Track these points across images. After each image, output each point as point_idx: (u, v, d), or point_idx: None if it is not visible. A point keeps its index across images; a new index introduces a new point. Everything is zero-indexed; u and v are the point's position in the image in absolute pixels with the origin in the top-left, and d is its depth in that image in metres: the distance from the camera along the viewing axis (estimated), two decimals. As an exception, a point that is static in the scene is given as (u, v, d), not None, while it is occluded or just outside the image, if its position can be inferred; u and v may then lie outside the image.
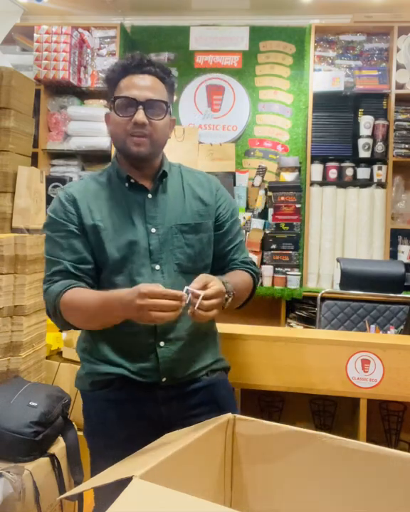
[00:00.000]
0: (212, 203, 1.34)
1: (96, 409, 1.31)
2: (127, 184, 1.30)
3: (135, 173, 1.30)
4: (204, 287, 1.08)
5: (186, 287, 1.07)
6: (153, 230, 1.26)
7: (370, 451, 0.80)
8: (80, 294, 1.19)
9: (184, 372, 1.27)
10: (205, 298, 1.06)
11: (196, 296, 1.05)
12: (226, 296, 1.14)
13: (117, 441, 1.22)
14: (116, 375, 1.26)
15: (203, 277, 1.10)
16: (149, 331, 1.23)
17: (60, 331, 1.32)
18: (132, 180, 1.29)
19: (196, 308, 1.05)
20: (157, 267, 1.25)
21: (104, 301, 1.14)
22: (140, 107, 1.21)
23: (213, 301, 1.08)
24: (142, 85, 1.23)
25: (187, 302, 1.05)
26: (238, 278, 1.30)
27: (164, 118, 1.25)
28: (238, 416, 0.92)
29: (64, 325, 1.24)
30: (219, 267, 1.35)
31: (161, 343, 1.24)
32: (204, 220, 1.32)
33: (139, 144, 1.23)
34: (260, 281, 1.42)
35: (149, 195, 1.29)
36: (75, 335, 2.64)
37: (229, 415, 0.92)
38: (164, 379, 1.25)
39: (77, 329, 1.29)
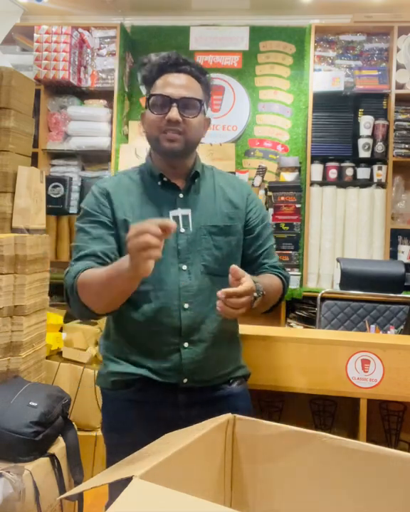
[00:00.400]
0: (243, 206, 1.35)
1: (116, 408, 1.31)
2: (159, 182, 1.30)
3: (168, 171, 1.30)
4: (238, 279, 1.08)
5: (171, 212, 1.09)
6: (182, 230, 1.26)
7: (370, 451, 0.80)
8: (96, 269, 1.16)
9: (206, 376, 1.27)
10: (237, 295, 1.06)
11: (229, 295, 1.06)
12: (255, 294, 1.13)
13: (133, 441, 1.22)
14: (138, 376, 1.26)
15: (238, 269, 1.10)
16: (174, 331, 1.24)
17: (78, 317, 1.28)
18: (164, 179, 1.30)
19: (224, 305, 1.06)
20: (184, 267, 1.25)
21: (111, 266, 1.11)
22: (174, 104, 1.22)
23: (243, 299, 1.08)
24: (177, 84, 1.24)
25: (180, 224, 1.04)
26: (268, 280, 1.30)
27: (197, 116, 1.25)
28: (238, 416, 0.92)
29: (81, 308, 1.18)
30: (248, 271, 1.33)
31: (185, 344, 1.25)
32: (234, 223, 1.32)
33: (173, 140, 1.23)
34: (289, 285, 1.42)
35: (181, 195, 1.29)
36: (75, 335, 2.64)
37: (229, 415, 0.92)
38: (185, 380, 1.25)
39: (95, 315, 1.21)
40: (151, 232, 0.94)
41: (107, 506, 1.23)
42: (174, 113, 1.21)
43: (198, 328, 1.26)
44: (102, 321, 2.81)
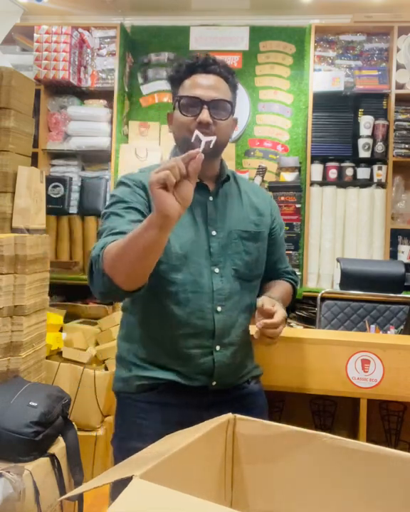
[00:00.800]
0: (267, 214, 1.38)
1: (135, 411, 1.27)
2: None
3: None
4: (271, 310, 1.15)
5: (196, 131, 1.07)
6: (213, 233, 1.26)
7: (370, 451, 0.80)
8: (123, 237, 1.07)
9: (233, 378, 1.29)
10: (273, 326, 1.13)
11: (267, 326, 1.14)
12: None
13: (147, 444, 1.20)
14: (165, 380, 1.24)
15: (270, 300, 1.18)
16: (207, 334, 1.24)
17: (99, 296, 1.14)
18: (198, 180, 1.27)
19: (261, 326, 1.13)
20: (217, 269, 1.25)
21: (139, 225, 1.03)
22: (205, 106, 1.21)
23: (279, 329, 1.15)
24: (207, 85, 1.23)
25: (201, 148, 0.99)
26: (284, 290, 1.37)
27: (228, 118, 1.25)
28: (238, 416, 0.92)
29: (104, 282, 1.07)
30: (266, 275, 1.37)
31: (218, 347, 1.25)
32: (261, 230, 1.34)
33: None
34: (298, 287, 1.51)
35: (211, 198, 1.29)
36: (75, 335, 2.65)
37: (229, 415, 0.93)
38: (214, 383, 1.25)
39: (117, 290, 1.08)
40: (174, 163, 0.93)
41: None
42: (205, 115, 1.20)
43: (229, 331, 1.26)
44: (103, 321, 2.82)
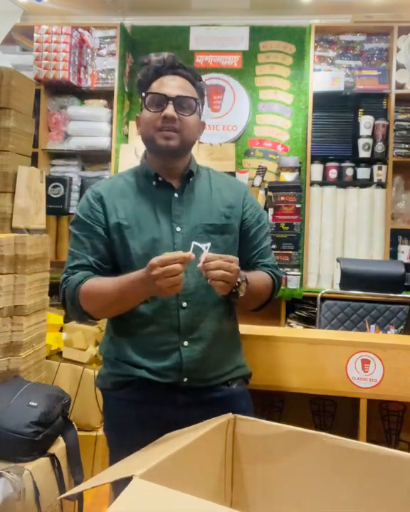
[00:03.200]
0: (238, 205, 1.35)
1: (116, 408, 1.32)
2: (154, 182, 1.31)
3: (163, 172, 1.31)
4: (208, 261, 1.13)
5: (193, 242, 1.13)
6: (178, 229, 1.27)
7: (370, 451, 0.80)
8: (100, 282, 1.22)
9: (206, 375, 1.27)
10: (210, 259, 1.10)
11: (207, 259, 1.11)
12: (239, 279, 1.17)
13: (134, 441, 1.23)
14: (136, 377, 1.26)
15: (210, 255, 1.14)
16: (172, 329, 1.24)
17: (77, 320, 1.33)
18: (159, 179, 1.30)
19: (202, 263, 1.10)
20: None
21: (123, 282, 1.17)
22: (170, 102, 1.23)
23: (221, 262, 1.11)
24: (173, 84, 1.26)
25: (194, 258, 1.08)
26: (256, 274, 1.32)
27: (193, 114, 1.26)
28: (238, 416, 0.92)
29: (81, 315, 1.25)
30: (244, 269, 1.33)
31: (185, 343, 1.25)
32: (230, 222, 1.32)
33: (169, 138, 1.24)
34: (281, 285, 1.43)
35: (176, 194, 1.30)
36: (75, 335, 2.64)
37: (229, 415, 0.93)
38: (185, 379, 1.25)
39: (94, 319, 1.29)
40: (177, 260, 1.05)
41: None
42: (170, 110, 1.22)
43: (197, 326, 1.26)
44: (102, 321, 2.82)
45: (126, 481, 0.68)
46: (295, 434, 0.86)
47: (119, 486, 0.68)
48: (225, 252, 1.27)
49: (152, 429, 1.21)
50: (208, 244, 1.13)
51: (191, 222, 1.28)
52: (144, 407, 1.26)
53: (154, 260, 1.06)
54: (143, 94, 1.28)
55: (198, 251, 1.11)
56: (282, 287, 3.21)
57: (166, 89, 1.24)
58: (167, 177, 1.31)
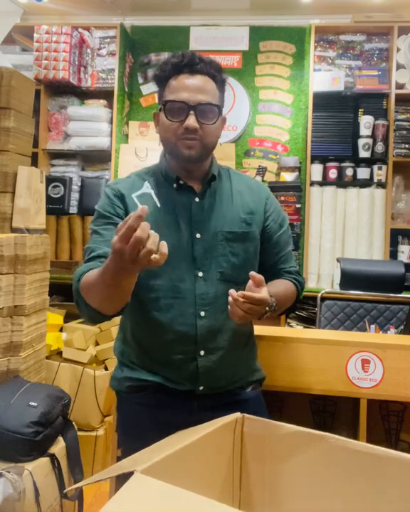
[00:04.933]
0: (260, 211, 1.31)
1: (130, 411, 1.30)
2: (175, 185, 1.26)
3: (183, 174, 1.26)
4: (258, 285, 1.08)
5: (145, 183, 1.05)
6: (198, 236, 1.23)
7: (376, 452, 0.80)
8: (93, 271, 1.10)
9: (222, 382, 1.26)
10: (252, 301, 1.06)
11: (246, 297, 1.06)
12: (267, 308, 1.13)
13: (146, 444, 1.22)
14: (152, 382, 1.25)
15: (257, 275, 1.09)
16: (189, 339, 1.22)
17: (88, 320, 1.21)
18: (180, 182, 1.26)
19: (240, 297, 1.06)
20: (200, 274, 1.22)
21: (102, 269, 1.03)
22: (191, 111, 1.17)
23: (256, 307, 1.08)
24: (193, 87, 1.18)
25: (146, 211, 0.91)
26: (282, 287, 1.28)
27: (215, 122, 1.21)
28: (246, 415, 0.92)
29: (88, 310, 1.12)
30: (265, 276, 1.28)
31: (202, 352, 1.22)
32: (251, 229, 1.28)
33: (191, 147, 1.19)
34: (304, 290, 1.40)
35: (197, 199, 1.26)
36: (75, 335, 2.64)
37: (238, 414, 0.93)
38: (201, 388, 1.23)
39: (102, 316, 1.14)
40: (134, 226, 0.89)
41: None
42: (191, 121, 1.17)
43: (215, 336, 1.23)
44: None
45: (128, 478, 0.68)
46: (303, 435, 0.86)
47: (121, 485, 0.68)
48: (244, 261, 1.26)
49: (165, 434, 1.21)
50: (152, 191, 1.04)
51: (211, 229, 1.24)
52: (158, 412, 1.24)
53: (113, 241, 0.91)
54: (162, 97, 1.23)
55: (147, 197, 1.01)
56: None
57: (186, 95, 1.17)
58: (188, 180, 1.26)
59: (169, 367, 1.23)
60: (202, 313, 1.22)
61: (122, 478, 0.68)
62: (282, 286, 1.30)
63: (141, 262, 0.91)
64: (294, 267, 1.38)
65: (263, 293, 1.09)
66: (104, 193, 1.28)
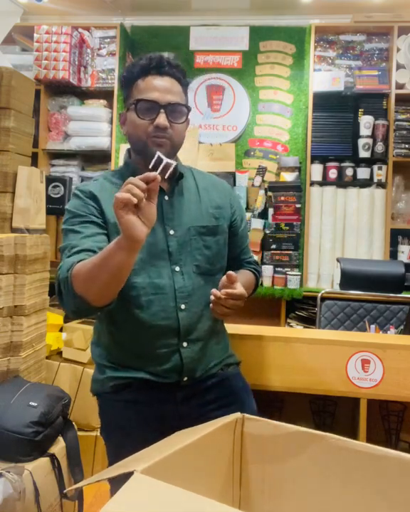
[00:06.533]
0: (227, 206, 1.38)
1: (115, 411, 1.31)
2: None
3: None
4: (232, 283, 1.15)
5: (157, 153, 1.07)
6: (171, 232, 1.27)
7: (377, 453, 0.80)
8: (90, 258, 1.10)
9: (203, 371, 1.30)
10: (233, 297, 1.14)
11: (229, 295, 1.13)
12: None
13: (134, 441, 1.23)
14: (137, 379, 1.26)
15: (233, 274, 1.16)
16: (172, 332, 1.25)
17: (70, 312, 1.17)
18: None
19: (223, 295, 1.13)
20: (177, 268, 1.26)
21: (106, 248, 1.06)
22: (162, 110, 1.22)
23: (238, 302, 1.16)
24: (162, 88, 1.23)
25: (160, 171, 1.01)
26: (246, 278, 1.37)
27: (184, 122, 1.26)
28: (246, 415, 0.92)
29: (73, 300, 1.11)
30: (229, 267, 1.37)
31: (185, 344, 1.26)
32: (219, 223, 1.34)
33: (161, 145, 1.22)
34: (261, 279, 1.51)
35: (166, 197, 1.29)
36: (75, 335, 2.64)
37: (238, 414, 0.93)
38: (185, 378, 1.26)
39: (88, 308, 1.12)
40: (134, 183, 0.97)
41: None
42: (162, 119, 1.21)
43: (195, 327, 1.27)
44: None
45: (126, 479, 0.68)
46: (303, 435, 0.86)
47: (118, 486, 0.68)
48: (217, 253, 1.32)
49: (152, 428, 1.23)
50: (174, 163, 1.09)
51: (183, 224, 1.28)
52: (145, 407, 1.26)
53: (117, 193, 0.97)
54: (130, 97, 1.26)
55: (161, 163, 1.05)
56: (282, 287, 3.22)
57: (156, 94, 1.22)
58: None
59: (154, 361, 1.25)
60: (182, 306, 1.25)
61: (122, 478, 0.68)
62: (246, 276, 1.39)
63: (123, 202, 0.95)
64: (252, 257, 1.49)
65: (240, 288, 1.16)
66: (74, 195, 1.29)
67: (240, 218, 1.42)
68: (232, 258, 1.40)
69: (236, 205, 1.41)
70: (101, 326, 1.33)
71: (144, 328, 1.24)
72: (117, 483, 0.68)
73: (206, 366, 1.31)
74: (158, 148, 1.21)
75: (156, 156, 1.05)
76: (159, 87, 1.23)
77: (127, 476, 0.67)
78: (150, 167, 1.05)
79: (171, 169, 1.09)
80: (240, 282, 1.21)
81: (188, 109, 1.27)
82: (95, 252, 1.14)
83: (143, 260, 1.22)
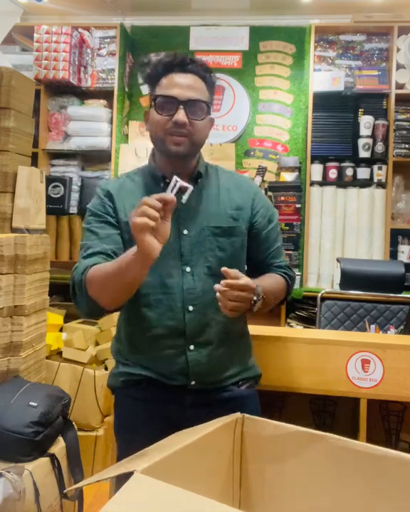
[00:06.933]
0: (248, 207, 1.32)
1: (125, 406, 1.32)
2: (162, 184, 1.28)
3: (171, 172, 1.27)
4: (234, 278, 1.09)
5: (174, 177, 1.06)
6: (185, 232, 1.25)
7: (377, 453, 0.80)
8: (104, 264, 1.16)
9: (214, 377, 1.27)
10: (236, 288, 1.07)
11: (228, 285, 1.07)
12: (255, 298, 1.13)
13: (142, 439, 1.23)
14: (145, 377, 1.27)
15: (228, 270, 1.11)
16: (178, 333, 1.23)
17: (84, 313, 1.26)
18: (167, 180, 1.27)
19: (222, 287, 1.07)
20: (188, 269, 1.24)
21: (121, 257, 1.10)
22: (181, 106, 1.20)
23: (243, 293, 1.09)
24: (184, 84, 1.22)
25: (174, 193, 1.02)
26: (271, 280, 1.29)
27: (204, 118, 1.24)
28: (246, 415, 0.92)
29: (87, 303, 1.17)
30: (255, 271, 1.32)
31: (191, 347, 1.24)
32: (238, 224, 1.30)
33: (179, 144, 1.22)
34: (294, 284, 1.40)
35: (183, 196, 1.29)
36: (75, 335, 2.64)
37: (238, 414, 0.93)
38: (193, 382, 1.24)
39: (100, 312, 1.20)
40: (150, 204, 0.97)
41: None
42: (180, 115, 1.19)
43: (203, 330, 1.25)
44: (103, 321, 2.82)
45: (127, 478, 0.68)
46: (303, 435, 0.86)
47: (121, 484, 0.68)
48: (231, 255, 1.28)
49: (159, 428, 1.22)
50: (191, 188, 1.08)
51: (197, 224, 1.26)
52: (152, 406, 1.26)
53: (133, 212, 0.99)
54: (153, 94, 1.26)
55: (179, 189, 1.05)
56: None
57: (177, 91, 1.21)
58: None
59: (160, 362, 1.25)
60: (190, 308, 1.23)
61: (122, 478, 0.68)
62: (271, 279, 1.31)
63: (140, 226, 0.97)
64: (284, 261, 1.39)
65: (245, 279, 1.10)
66: (95, 193, 1.32)
67: (266, 220, 1.35)
68: (258, 262, 1.35)
69: (261, 206, 1.35)
70: (119, 322, 1.35)
71: (152, 326, 1.24)
72: (121, 482, 0.67)
73: (219, 374, 1.27)
74: (176, 147, 1.22)
75: (173, 180, 1.06)
76: (181, 83, 1.22)
77: (127, 476, 0.67)
78: (168, 191, 1.05)
79: (188, 192, 1.08)
80: (261, 282, 1.18)
81: (209, 106, 1.25)
82: (107, 254, 1.20)
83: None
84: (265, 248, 1.35)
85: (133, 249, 1.04)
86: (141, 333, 1.26)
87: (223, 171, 1.39)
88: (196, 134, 1.24)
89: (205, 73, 1.26)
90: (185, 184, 1.06)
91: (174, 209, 1.24)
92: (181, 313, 1.23)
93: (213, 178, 1.34)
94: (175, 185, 1.05)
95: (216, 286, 1.10)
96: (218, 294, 1.10)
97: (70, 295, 1.21)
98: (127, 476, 0.67)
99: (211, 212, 1.28)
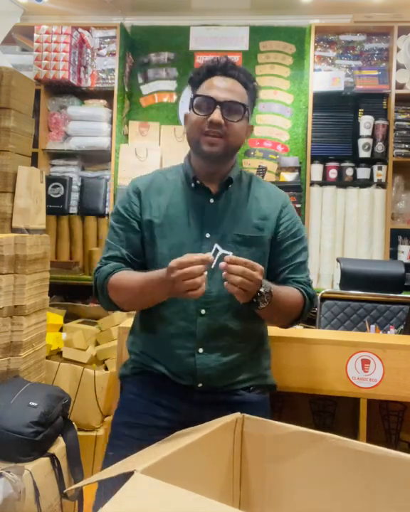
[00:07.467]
0: (274, 218, 1.30)
1: (131, 392, 1.32)
2: (192, 184, 1.29)
3: (203, 175, 1.29)
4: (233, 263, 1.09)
5: (215, 245, 1.12)
6: (207, 235, 1.25)
7: (378, 453, 0.80)
8: (127, 275, 1.24)
9: (222, 382, 1.26)
10: (234, 262, 1.07)
11: (233, 261, 1.07)
12: (262, 289, 1.11)
13: (138, 423, 1.24)
14: (156, 370, 1.28)
15: (236, 258, 1.09)
16: (189, 335, 1.24)
17: (106, 310, 1.47)
18: (197, 182, 1.28)
19: (225, 263, 1.07)
20: (205, 272, 1.20)
21: (146, 280, 1.17)
22: (217, 106, 1.20)
23: (247, 270, 1.06)
24: (222, 87, 1.23)
25: (215, 262, 1.08)
26: (285, 289, 1.25)
27: (240, 120, 1.23)
28: (246, 415, 0.92)
29: (109, 304, 1.28)
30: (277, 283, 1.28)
31: (200, 350, 1.24)
32: (261, 234, 1.28)
33: (213, 144, 1.22)
34: (314, 304, 1.33)
35: (212, 200, 1.28)
36: (75, 335, 2.64)
37: (238, 414, 0.93)
38: (200, 384, 1.24)
39: (122, 310, 1.33)
40: (193, 262, 1.03)
41: (95, 509, 1.21)
42: (216, 115, 1.20)
43: (214, 335, 1.24)
44: (103, 321, 2.82)
45: (115, 481, 0.68)
46: (303, 435, 0.86)
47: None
48: None
49: (159, 415, 1.24)
50: (231, 254, 1.09)
51: (221, 230, 1.26)
52: (158, 394, 1.27)
53: (173, 262, 1.05)
54: (192, 94, 1.27)
55: (220, 257, 1.10)
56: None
57: (215, 92, 1.22)
58: (206, 181, 1.28)
59: (170, 360, 1.26)
60: (202, 312, 1.23)
61: (122, 479, 0.68)
62: (286, 288, 1.26)
63: (180, 288, 1.05)
64: (305, 278, 1.32)
65: (250, 262, 1.08)
66: (126, 188, 1.35)
67: (290, 232, 1.31)
68: (277, 274, 1.30)
69: (287, 217, 1.32)
70: (136, 315, 1.38)
71: (166, 325, 1.26)
72: (121, 482, 0.67)
73: (228, 379, 1.26)
74: (209, 148, 1.22)
75: (214, 248, 1.13)
76: (220, 86, 1.23)
77: (127, 476, 0.67)
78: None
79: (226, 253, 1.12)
80: (275, 287, 1.15)
81: (246, 110, 1.24)
82: (125, 260, 1.29)
83: (173, 258, 1.16)
84: (285, 260, 1.31)
85: (160, 276, 1.11)
86: (155, 329, 1.28)
87: (257, 180, 1.38)
88: (232, 136, 1.23)
89: (246, 80, 1.27)
90: (224, 251, 1.13)
91: (201, 210, 1.27)
92: (193, 316, 1.23)
93: (244, 186, 1.33)
94: (216, 251, 1.13)
95: (221, 263, 1.08)
96: (224, 272, 1.07)
97: (93, 293, 1.31)
98: (127, 475, 0.67)
99: (237, 219, 1.27)
